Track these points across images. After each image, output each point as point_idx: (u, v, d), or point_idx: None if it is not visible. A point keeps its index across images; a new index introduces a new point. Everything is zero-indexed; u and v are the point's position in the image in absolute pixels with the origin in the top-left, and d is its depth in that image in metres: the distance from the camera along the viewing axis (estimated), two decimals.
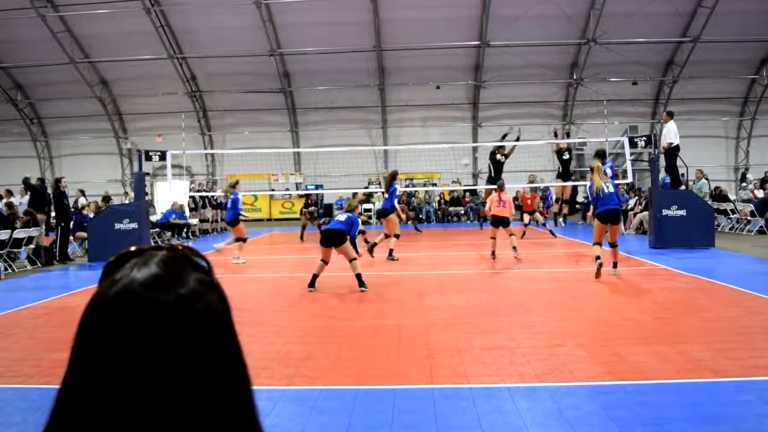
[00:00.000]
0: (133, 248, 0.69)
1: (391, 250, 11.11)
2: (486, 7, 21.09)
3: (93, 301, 0.64)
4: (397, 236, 11.21)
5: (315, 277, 7.95)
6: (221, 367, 0.64)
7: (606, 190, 8.80)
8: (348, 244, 7.93)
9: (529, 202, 15.98)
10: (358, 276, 7.85)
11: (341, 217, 8.10)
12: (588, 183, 9.56)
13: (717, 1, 20.09)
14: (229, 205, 11.90)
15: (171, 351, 0.61)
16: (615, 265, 8.80)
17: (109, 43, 22.51)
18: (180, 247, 0.70)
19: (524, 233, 15.01)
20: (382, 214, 11.42)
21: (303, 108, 25.22)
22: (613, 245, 8.90)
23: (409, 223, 18.53)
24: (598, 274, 8.29)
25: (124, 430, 0.59)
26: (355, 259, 7.97)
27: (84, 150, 26.42)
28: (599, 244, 8.74)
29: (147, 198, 14.01)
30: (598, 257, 8.45)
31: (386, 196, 11.45)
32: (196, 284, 0.65)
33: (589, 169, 9.64)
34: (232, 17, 21.42)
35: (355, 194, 8.16)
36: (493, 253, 10.65)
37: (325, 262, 7.98)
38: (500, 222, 10.65)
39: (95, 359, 0.61)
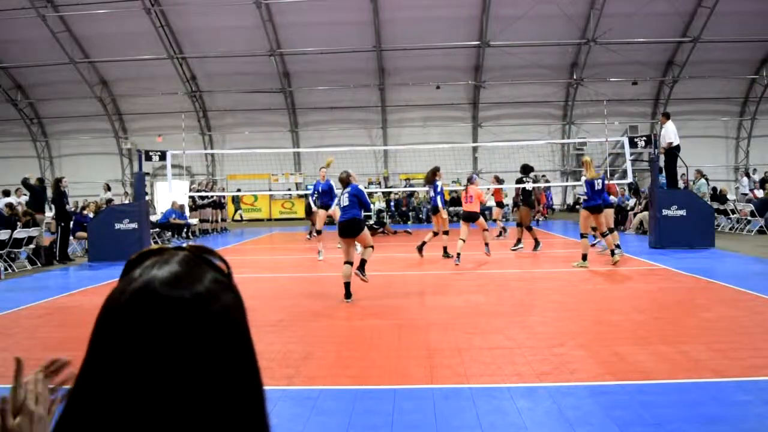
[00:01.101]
0: (154, 247, 0.70)
1: (445, 248, 11.22)
2: (486, 7, 21.09)
3: (112, 298, 0.65)
4: (446, 233, 11.19)
5: (348, 285, 7.11)
6: (233, 368, 0.65)
7: (596, 186, 9.62)
8: (366, 231, 7.29)
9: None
10: (363, 261, 7.32)
11: (345, 200, 7.26)
12: (583, 178, 10.02)
13: (717, 1, 20.09)
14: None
15: (186, 348, 0.61)
16: (618, 246, 9.76)
17: (109, 43, 22.52)
18: (200, 248, 0.71)
19: (501, 233, 15.02)
20: (432, 211, 11.50)
21: (303, 108, 25.22)
22: (604, 234, 9.88)
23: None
24: (583, 265, 9.40)
25: (139, 425, 0.60)
26: (372, 247, 7.39)
27: (84, 150, 26.42)
28: (586, 235, 9.69)
29: (147, 198, 14.01)
30: (584, 256, 9.49)
31: (431, 194, 11.40)
32: (212, 284, 0.66)
33: (582, 163, 10.18)
34: (232, 17, 21.42)
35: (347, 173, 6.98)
36: (458, 255, 10.16)
37: (351, 263, 7.19)
38: (469, 217, 10.50)
39: (112, 354, 0.61)
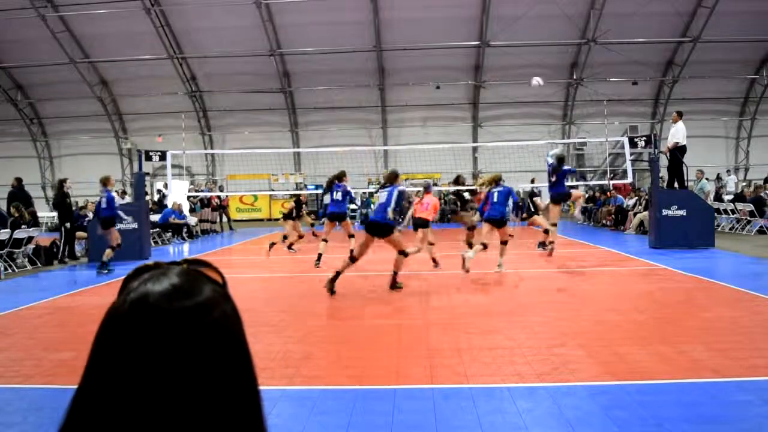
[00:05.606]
0: (150, 263, 0.72)
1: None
2: (486, 7, 21.09)
3: (113, 309, 0.67)
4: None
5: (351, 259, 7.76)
6: (233, 374, 0.67)
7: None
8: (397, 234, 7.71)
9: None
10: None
11: (383, 196, 7.75)
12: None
13: (717, 1, 20.11)
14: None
15: (186, 356, 0.63)
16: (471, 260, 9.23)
17: (109, 43, 22.53)
18: (196, 261, 0.73)
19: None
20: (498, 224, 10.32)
21: (303, 108, 25.22)
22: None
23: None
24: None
25: (140, 427, 0.61)
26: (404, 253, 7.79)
27: (84, 150, 26.42)
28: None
29: (146, 198, 14.00)
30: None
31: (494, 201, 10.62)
32: (211, 293, 0.68)
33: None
34: (232, 17, 21.43)
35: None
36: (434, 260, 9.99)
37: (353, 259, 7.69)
38: (420, 224, 9.94)
39: (114, 364, 0.63)
